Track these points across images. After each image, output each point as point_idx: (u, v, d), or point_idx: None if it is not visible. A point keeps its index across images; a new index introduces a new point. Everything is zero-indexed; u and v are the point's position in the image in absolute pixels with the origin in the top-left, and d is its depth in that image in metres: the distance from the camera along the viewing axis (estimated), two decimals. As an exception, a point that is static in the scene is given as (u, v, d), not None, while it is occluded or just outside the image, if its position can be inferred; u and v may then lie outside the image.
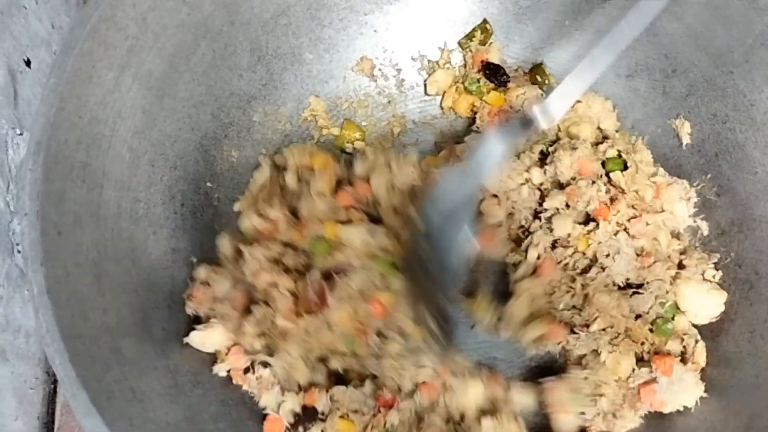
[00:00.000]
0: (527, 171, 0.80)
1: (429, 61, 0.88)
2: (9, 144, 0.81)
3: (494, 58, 0.86)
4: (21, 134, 0.82)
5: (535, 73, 0.86)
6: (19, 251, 0.81)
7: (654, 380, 0.72)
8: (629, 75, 0.84)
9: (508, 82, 0.86)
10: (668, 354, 0.74)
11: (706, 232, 0.80)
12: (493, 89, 0.86)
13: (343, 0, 0.84)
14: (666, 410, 0.73)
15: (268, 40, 0.82)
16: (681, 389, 0.72)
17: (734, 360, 0.73)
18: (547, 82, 0.85)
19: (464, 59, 0.88)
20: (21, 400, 0.80)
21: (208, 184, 0.79)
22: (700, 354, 0.74)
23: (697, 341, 0.75)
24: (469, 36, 0.87)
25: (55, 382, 0.85)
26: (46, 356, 0.84)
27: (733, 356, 0.74)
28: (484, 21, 0.87)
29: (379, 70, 0.88)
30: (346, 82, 0.87)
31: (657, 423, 0.73)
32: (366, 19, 0.86)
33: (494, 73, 0.86)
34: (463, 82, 0.86)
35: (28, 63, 0.84)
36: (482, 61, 0.86)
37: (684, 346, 0.75)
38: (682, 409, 0.73)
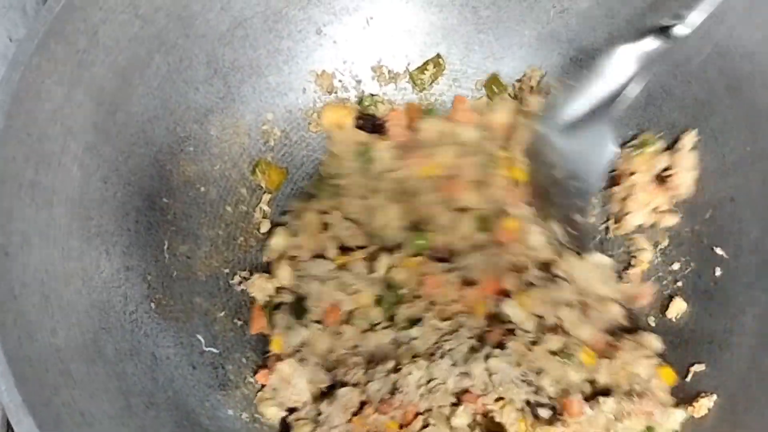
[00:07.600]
0: None
1: (389, 72, 0.88)
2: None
3: None
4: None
5: (491, 83, 0.86)
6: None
7: None
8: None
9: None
10: None
11: (665, 243, 0.80)
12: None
13: (300, 11, 0.83)
14: None
15: (224, 53, 0.80)
16: None
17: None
18: (504, 92, 0.85)
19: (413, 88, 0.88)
20: (-24, 422, 0.79)
21: (164, 199, 0.78)
22: None
23: None
24: (422, 69, 0.87)
25: (11, 402, 0.83)
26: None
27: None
28: (438, 56, 0.87)
29: (339, 81, 0.87)
30: (307, 93, 0.86)
31: None
32: (325, 30, 0.85)
33: (368, 124, 0.86)
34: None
35: (-19, 78, 0.83)
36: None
37: None
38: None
